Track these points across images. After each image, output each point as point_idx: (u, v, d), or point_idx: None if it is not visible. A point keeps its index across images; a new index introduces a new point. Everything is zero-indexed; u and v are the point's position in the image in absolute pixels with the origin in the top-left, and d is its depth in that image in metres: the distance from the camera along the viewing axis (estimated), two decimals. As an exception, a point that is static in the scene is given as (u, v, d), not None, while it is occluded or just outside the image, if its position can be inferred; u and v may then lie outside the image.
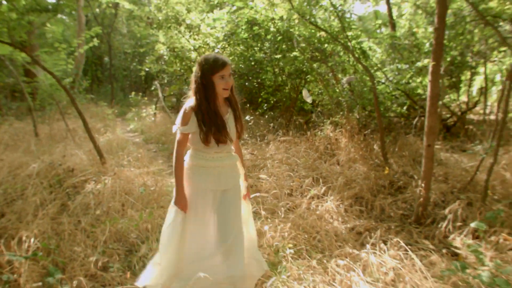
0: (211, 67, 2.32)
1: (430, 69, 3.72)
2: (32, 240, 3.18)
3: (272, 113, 8.73)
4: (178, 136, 2.47)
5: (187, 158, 2.56)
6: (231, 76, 2.41)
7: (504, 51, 12.41)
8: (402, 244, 3.00)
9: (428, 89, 3.78)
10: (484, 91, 11.33)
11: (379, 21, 13.93)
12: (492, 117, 11.94)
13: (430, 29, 7.90)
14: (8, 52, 3.94)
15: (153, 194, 4.63)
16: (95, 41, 6.38)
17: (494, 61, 10.02)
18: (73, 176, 5.11)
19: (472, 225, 3.49)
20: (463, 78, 11.07)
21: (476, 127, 7.94)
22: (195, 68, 2.43)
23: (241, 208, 2.63)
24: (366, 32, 8.68)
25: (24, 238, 3.18)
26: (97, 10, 15.69)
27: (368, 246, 3.02)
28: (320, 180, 4.89)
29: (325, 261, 3.00)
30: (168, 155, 7.73)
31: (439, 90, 3.73)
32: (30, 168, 5.14)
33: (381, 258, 2.87)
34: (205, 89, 2.35)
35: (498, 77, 13.13)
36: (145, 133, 10.03)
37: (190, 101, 2.44)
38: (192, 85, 2.43)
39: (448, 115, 8.83)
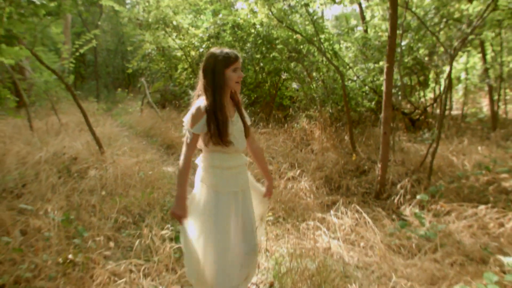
0: (225, 60, 2.24)
1: (385, 70, 4.50)
2: (56, 211, 3.82)
3: (253, 108, 9.44)
4: (187, 138, 2.28)
5: (201, 161, 2.41)
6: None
7: (468, 51, 13.46)
8: (359, 209, 3.77)
9: (384, 86, 4.56)
10: (446, 89, 12.24)
11: (354, 22, 14.76)
12: (454, 112, 12.98)
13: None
14: (23, 56, 4.50)
15: (151, 177, 5.29)
16: (94, 42, 6.96)
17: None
18: (77, 163, 5.72)
19: (418, 197, 4.31)
20: (430, 76, 12.01)
21: (436, 120, 8.83)
22: (203, 64, 2.30)
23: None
24: (340, 34, 9.44)
25: (49, 210, 3.82)
26: (82, 8, 16.02)
27: (331, 211, 3.78)
28: (296, 165, 5.64)
29: (297, 223, 3.74)
30: (157, 147, 8.38)
31: (392, 87, 4.51)
32: (37, 157, 5.73)
33: (342, 220, 3.63)
34: (216, 84, 2.25)
35: (463, 75, 14.20)
36: (134, 127, 10.60)
37: (200, 100, 2.30)
38: (201, 81, 2.30)
39: (412, 110, 9.69)
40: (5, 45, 3.12)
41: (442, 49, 10.78)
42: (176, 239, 3.74)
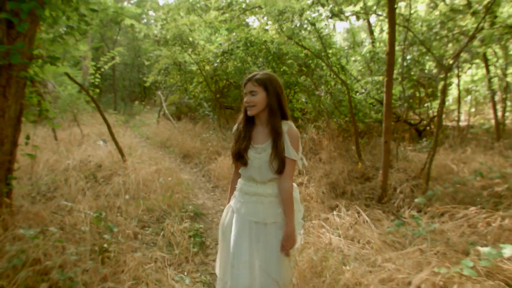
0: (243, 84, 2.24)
1: (384, 83, 4.90)
2: (87, 211, 4.28)
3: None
4: None
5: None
6: (255, 94, 2.14)
7: (476, 63, 13.79)
8: (359, 210, 4.15)
9: (384, 98, 4.96)
10: (441, 101, 12.48)
11: (364, 36, 15.17)
12: (461, 124, 13.26)
13: (397, 47, 9.13)
14: (60, 73, 5.01)
15: (170, 183, 5.74)
16: (117, 59, 7.52)
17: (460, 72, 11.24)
18: (101, 170, 6.20)
19: (416, 200, 4.67)
20: (439, 87, 12.36)
21: (442, 131, 9.16)
22: None
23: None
24: (350, 47, 9.89)
25: (81, 209, 4.28)
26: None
27: (334, 212, 4.17)
28: (304, 172, 6.04)
29: (303, 222, 4.13)
30: (174, 156, 8.86)
31: (391, 99, 4.91)
32: (65, 165, 6.24)
33: (343, 219, 4.02)
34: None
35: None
36: (151, 138, 11.13)
37: None
38: None
39: (418, 121, 10.03)
40: (49, 65, 3.63)
41: (450, 62, 11.17)
42: (194, 236, 4.17)
